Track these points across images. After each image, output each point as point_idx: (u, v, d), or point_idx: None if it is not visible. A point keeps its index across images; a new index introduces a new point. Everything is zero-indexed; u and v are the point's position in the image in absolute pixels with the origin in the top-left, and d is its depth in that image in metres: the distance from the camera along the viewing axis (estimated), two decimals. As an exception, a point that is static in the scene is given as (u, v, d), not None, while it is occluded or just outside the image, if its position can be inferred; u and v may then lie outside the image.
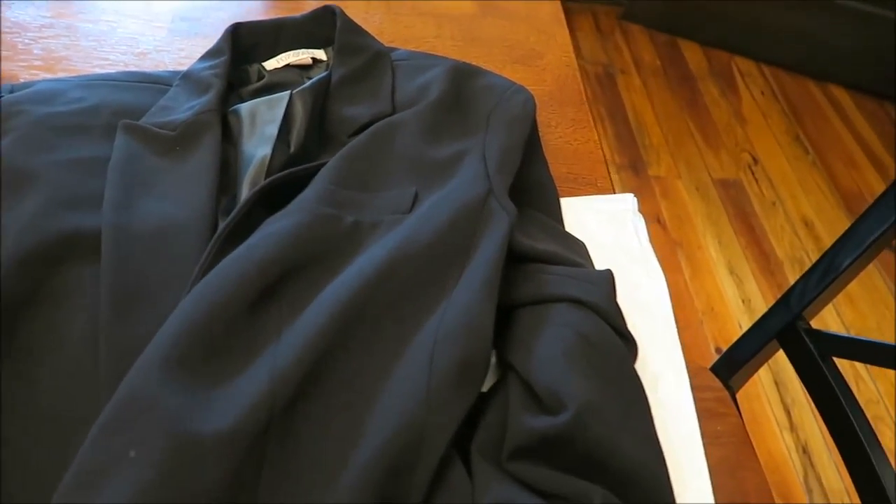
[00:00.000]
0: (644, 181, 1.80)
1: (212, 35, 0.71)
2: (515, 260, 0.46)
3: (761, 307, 1.56)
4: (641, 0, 2.23)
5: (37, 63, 0.66)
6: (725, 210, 1.77)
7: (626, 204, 0.60)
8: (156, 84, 0.57)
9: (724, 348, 0.87)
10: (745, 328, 0.85)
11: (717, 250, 1.67)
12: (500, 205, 0.47)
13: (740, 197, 1.80)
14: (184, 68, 0.65)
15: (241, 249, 0.41)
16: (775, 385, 1.43)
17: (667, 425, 0.43)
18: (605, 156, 0.68)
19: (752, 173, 1.87)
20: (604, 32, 2.25)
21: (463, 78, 0.57)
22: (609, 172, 0.66)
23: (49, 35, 0.69)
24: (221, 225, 0.44)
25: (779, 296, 0.78)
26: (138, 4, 0.74)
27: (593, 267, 0.50)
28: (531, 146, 0.56)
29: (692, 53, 2.21)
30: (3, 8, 0.71)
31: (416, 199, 0.47)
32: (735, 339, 0.86)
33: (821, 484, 1.29)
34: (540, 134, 0.60)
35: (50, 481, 0.36)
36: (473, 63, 0.61)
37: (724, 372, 0.85)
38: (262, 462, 0.34)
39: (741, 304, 1.57)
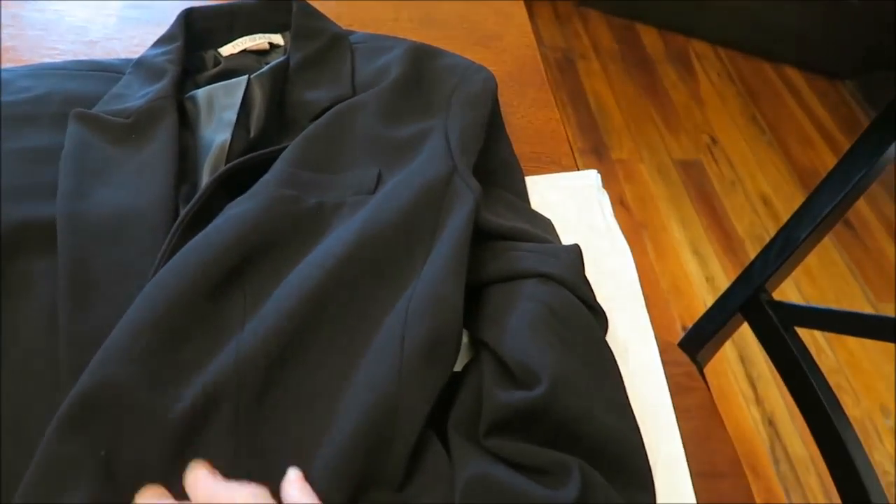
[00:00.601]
0: (607, 165, 1.82)
1: (163, 22, 0.69)
2: (483, 238, 0.46)
3: (725, 285, 1.59)
4: (598, -16, 2.24)
5: (-19, 54, 0.63)
6: (687, 191, 1.79)
7: (589, 180, 0.60)
8: (107, 72, 0.55)
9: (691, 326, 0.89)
10: (708, 306, 0.87)
11: (680, 231, 1.69)
12: (464, 183, 0.47)
13: (701, 177, 1.83)
14: (135, 56, 0.63)
15: (200, 237, 0.40)
16: (740, 360, 1.46)
17: (637, 393, 0.43)
18: (567, 134, 0.69)
19: (712, 154, 1.90)
20: (562, 19, 2.26)
21: (423, 58, 0.57)
22: (573, 150, 0.67)
23: (-8, 25, 0.66)
24: (182, 213, 0.43)
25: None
26: (85, -8, 0.72)
27: (560, 243, 0.51)
28: (494, 126, 0.56)
29: (650, 37, 2.24)
30: (-59, -2, 0.68)
31: (379, 179, 0.46)
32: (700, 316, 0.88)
33: (787, 454, 1.32)
34: (502, 114, 0.60)
35: (9, 475, 0.35)
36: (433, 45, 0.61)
37: (691, 347, 0.86)
38: (236, 450, 0.34)
39: (705, 282, 1.60)
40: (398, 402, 0.35)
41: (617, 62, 2.13)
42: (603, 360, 0.41)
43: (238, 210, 0.41)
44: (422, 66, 0.56)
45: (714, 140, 1.94)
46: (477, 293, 0.44)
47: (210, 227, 0.41)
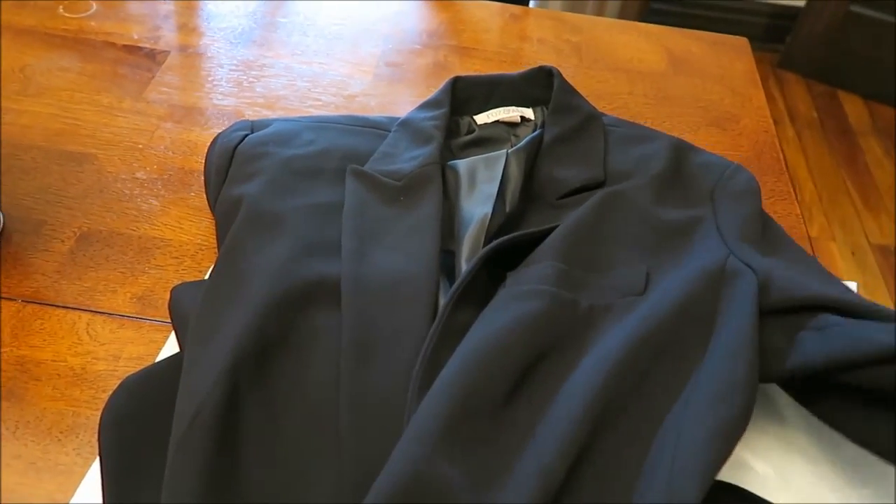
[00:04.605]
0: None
1: (412, 80, 0.75)
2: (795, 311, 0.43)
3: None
4: (800, 46, 2.13)
5: (259, 101, 0.71)
6: (884, 279, 1.64)
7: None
8: (376, 129, 0.60)
9: None
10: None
11: (874, 322, 1.54)
12: (742, 262, 0.45)
13: (902, 266, 1.67)
14: (388, 112, 0.68)
15: (489, 338, 0.41)
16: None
17: None
18: (807, 232, 0.65)
19: (918, 242, 1.72)
20: (756, 79, 2.16)
21: (682, 154, 0.57)
22: (812, 249, 0.63)
23: (269, 74, 0.74)
24: (454, 286, 0.45)
25: None
26: (346, 47, 0.79)
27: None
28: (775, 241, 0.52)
29: (854, 107, 2.08)
30: (229, 45, 0.77)
31: (647, 279, 0.46)
32: None
33: None
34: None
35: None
36: (667, 122, 0.60)
37: None
38: None
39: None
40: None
41: (814, 130, 2.00)
42: None
43: (521, 312, 0.42)
44: (681, 161, 0.56)
45: (921, 226, 1.76)
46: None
47: (495, 326, 0.42)
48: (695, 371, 0.40)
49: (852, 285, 0.57)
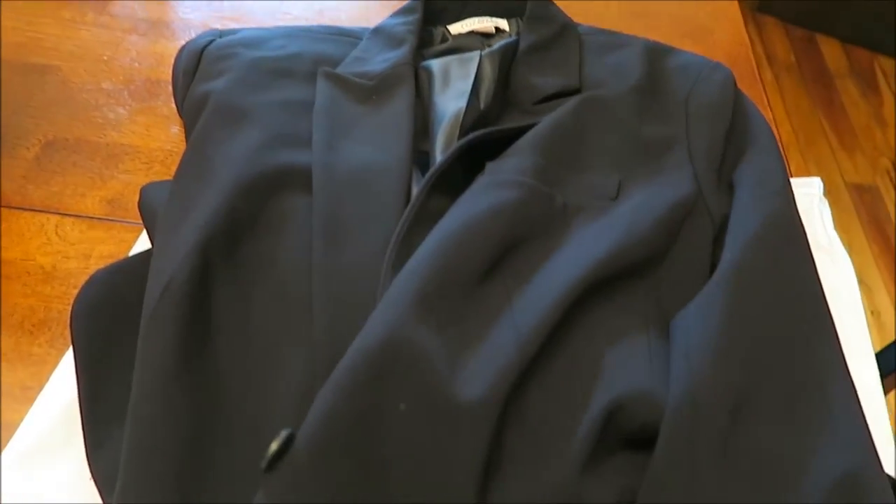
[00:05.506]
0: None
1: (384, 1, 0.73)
2: None
3: (891, 321, 1.47)
4: (779, -9, 2.12)
5: (227, 13, 0.69)
6: (858, 215, 1.66)
7: (812, 188, 0.57)
8: (348, 37, 0.59)
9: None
10: (874, 341, 0.80)
11: (847, 258, 1.57)
12: (705, 206, 0.46)
13: (875, 203, 1.69)
14: (358, 26, 0.67)
15: (467, 220, 0.41)
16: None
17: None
18: (779, 138, 0.65)
19: (891, 180, 1.75)
20: (735, 23, 2.15)
21: (656, 58, 0.56)
22: (787, 159, 0.64)
23: (237, -11, 0.72)
24: (428, 173, 0.45)
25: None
26: (316, -37, 0.77)
27: None
28: (743, 134, 0.53)
29: (831, 50, 2.09)
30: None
31: (619, 187, 0.46)
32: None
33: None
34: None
35: (263, 390, 0.38)
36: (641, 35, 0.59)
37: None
38: (500, 430, 0.35)
39: (869, 315, 1.48)
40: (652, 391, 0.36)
41: (792, 73, 2.01)
42: None
43: (499, 199, 0.43)
44: (655, 67, 0.55)
45: (895, 166, 1.78)
46: None
47: (472, 211, 0.42)
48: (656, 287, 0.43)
49: (815, 181, 0.58)
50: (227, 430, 0.36)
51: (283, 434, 0.33)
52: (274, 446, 0.32)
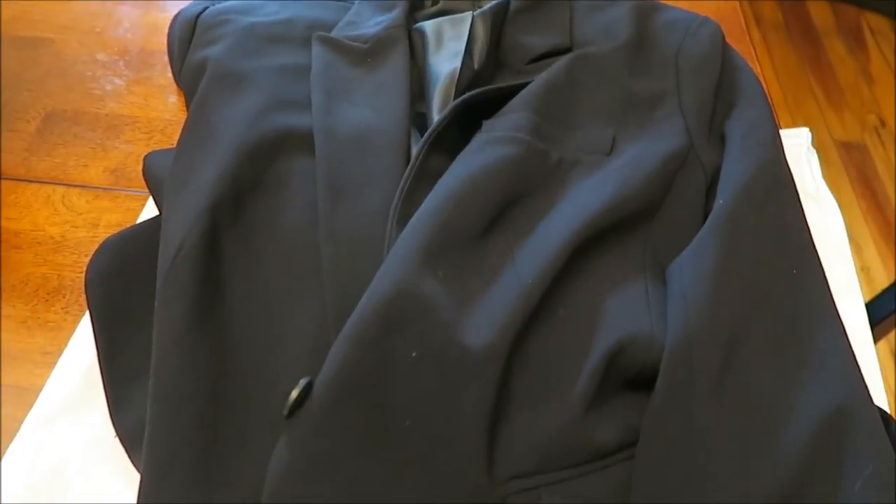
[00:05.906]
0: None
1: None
2: None
3: (881, 276, 1.50)
4: (765, -51, 2.10)
5: (218, -17, 0.69)
6: (847, 172, 1.68)
7: (800, 139, 0.58)
8: (340, 1, 0.59)
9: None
10: (864, 297, 0.82)
11: (836, 214, 1.59)
12: (697, 157, 0.47)
13: (864, 160, 1.71)
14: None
15: (467, 177, 0.42)
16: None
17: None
18: (770, 93, 0.66)
19: (879, 136, 1.76)
20: (722, -17, 2.15)
21: (644, 15, 0.57)
22: (774, 111, 0.65)
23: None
24: (427, 133, 0.46)
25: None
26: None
27: None
28: (732, 87, 0.54)
29: (818, 9, 2.08)
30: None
31: (613, 142, 0.47)
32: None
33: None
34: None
35: (276, 343, 0.39)
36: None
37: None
38: (506, 376, 0.36)
39: (859, 271, 1.50)
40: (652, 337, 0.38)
41: (779, 32, 2.01)
42: None
43: (496, 156, 0.44)
44: (644, 24, 0.56)
45: (883, 122, 1.80)
46: None
47: (471, 168, 0.43)
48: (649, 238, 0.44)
49: (804, 131, 0.59)
50: (244, 381, 0.38)
51: (303, 382, 0.34)
52: (294, 394, 0.34)
